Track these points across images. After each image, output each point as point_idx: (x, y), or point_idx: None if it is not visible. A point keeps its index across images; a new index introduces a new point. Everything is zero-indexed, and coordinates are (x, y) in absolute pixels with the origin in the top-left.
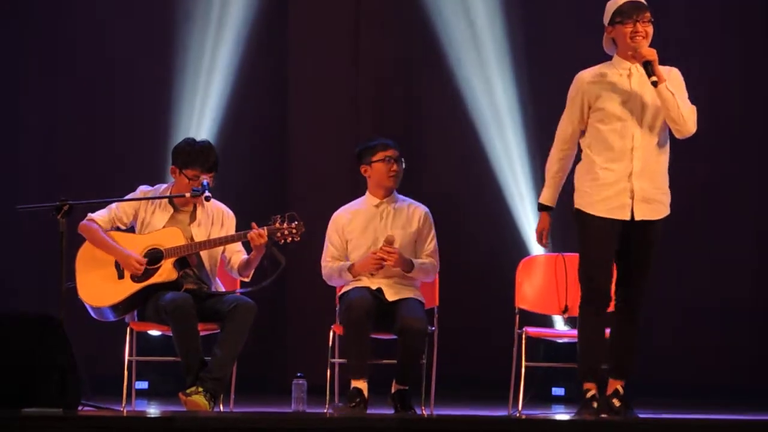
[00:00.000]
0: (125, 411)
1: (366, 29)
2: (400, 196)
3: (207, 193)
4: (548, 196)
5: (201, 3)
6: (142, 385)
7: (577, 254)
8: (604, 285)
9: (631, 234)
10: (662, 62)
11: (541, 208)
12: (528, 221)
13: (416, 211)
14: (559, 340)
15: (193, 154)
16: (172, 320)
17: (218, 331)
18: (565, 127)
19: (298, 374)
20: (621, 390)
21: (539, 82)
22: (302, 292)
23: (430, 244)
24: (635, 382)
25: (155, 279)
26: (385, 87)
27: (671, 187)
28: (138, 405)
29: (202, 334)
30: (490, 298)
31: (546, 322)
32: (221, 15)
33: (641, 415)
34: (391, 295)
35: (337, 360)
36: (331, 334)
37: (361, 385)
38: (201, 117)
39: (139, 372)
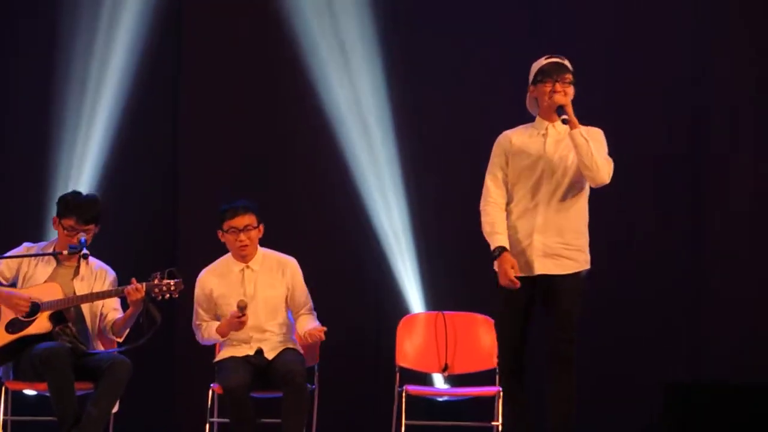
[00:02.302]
0: None
1: (257, 80)
2: (266, 251)
3: (84, 251)
4: (501, 240)
5: (82, 46)
6: None
7: (459, 313)
8: (517, 350)
9: (538, 288)
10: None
11: (499, 251)
12: (408, 279)
13: (286, 266)
14: (440, 398)
15: (71, 204)
16: (47, 368)
17: (93, 389)
18: (491, 183)
19: None
20: None
21: (420, 139)
22: (184, 350)
23: (304, 296)
24: None
25: (29, 330)
26: (278, 139)
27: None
28: None
29: (77, 393)
30: (370, 356)
31: (426, 380)
32: (104, 55)
33: None
34: (270, 354)
35: (216, 419)
36: (210, 393)
37: None
38: (84, 171)
39: None
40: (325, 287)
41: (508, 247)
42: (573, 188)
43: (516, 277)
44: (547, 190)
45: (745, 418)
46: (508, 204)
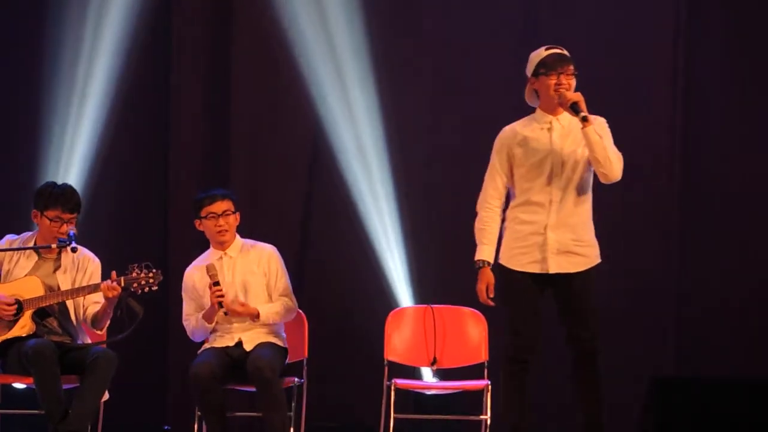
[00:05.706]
0: None
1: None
2: (244, 241)
3: (73, 244)
4: (485, 253)
5: (71, 36)
6: None
7: (448, 306)
8: (530, 339)
9: (553, 286)
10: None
11: (481, 264)
12: (396, 272)
13: (262, 253)
14: (428, 392)
15: (53, 195)
16: (33, 366)
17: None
18: (489, 184)
19: (165, 427)
20: None
21: (408, 132)
22: (172, 342)
23: (280, 282)
24: None
25: (14, 333)
26: (268, 132)
27: None
28: None
29: (64, 387)
30: (359, 350)
31: (415, 374)
32: (93, 45)
33: None
34: (249, 345)
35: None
36: None
37: None
38: (72, 163)
39: (3, 425)
40: (314, 281)
41: (491, 260)
42: (583, 184)
43: (530, 274)
44: (558, 186)
45: (730, 414)
46: (513, 198)
